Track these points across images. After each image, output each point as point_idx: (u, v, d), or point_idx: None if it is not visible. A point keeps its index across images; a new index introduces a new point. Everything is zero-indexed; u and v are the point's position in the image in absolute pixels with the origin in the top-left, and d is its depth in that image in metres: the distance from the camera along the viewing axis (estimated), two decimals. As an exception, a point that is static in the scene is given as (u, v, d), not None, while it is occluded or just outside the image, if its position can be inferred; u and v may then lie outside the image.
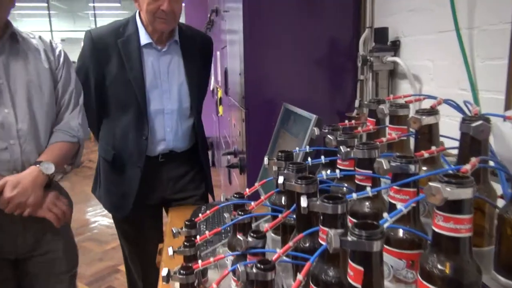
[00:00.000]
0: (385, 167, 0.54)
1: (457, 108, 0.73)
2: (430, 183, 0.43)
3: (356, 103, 0.84)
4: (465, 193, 0.43)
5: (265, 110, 1.60)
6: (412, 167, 0.54)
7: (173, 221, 1.47)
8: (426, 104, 0.88)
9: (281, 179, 0.67)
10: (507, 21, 0.89)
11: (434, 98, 0.76)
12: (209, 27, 3.59)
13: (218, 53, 3.03)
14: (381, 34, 1.38)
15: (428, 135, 0.66)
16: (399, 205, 0.50)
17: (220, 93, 3.09)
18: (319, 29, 1.59)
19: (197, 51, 1.59)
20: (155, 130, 1.54)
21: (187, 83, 1.55)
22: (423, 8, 1.20)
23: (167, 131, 1.55)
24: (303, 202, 0.56)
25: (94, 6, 10.66)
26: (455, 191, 0.43)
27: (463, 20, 1.02)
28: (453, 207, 0.44)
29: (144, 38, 1.50)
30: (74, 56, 1.60)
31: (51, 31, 10.72)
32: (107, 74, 1.49)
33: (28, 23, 13.67)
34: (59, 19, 13.52)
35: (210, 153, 5.05)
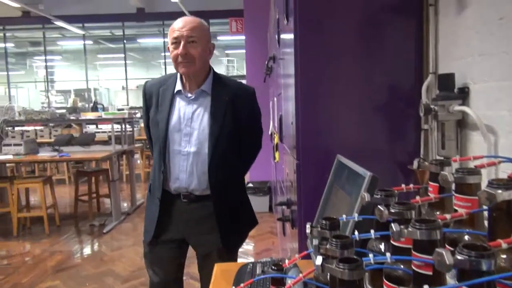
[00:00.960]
0: (447, 262, 0.42)
1: (545, 176, 0.59)
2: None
3: (415, 164, 0.72)
4: None
5: (319, 161, 1.50)
6: (485, 263, 0.41)
7: (217, 279, 1.38)
8: (505, 168, 0.74)
9: (319, 260, 0.57)
10: None
11: (514, 162, 0.62)
12: (268, 73, 3.63)
13: (275, 99, 3.02)
14: (446, 80, 1.24)
15: (506, 213, 0.52)
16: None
17: (276, 139, 3.04)
18: (377, 75, 1.49)
19: (228, 102, 1.67)
20: (171, 168, 1.68)
21: (208, 131, 1.64)
22: (496, 52, 1.05)
23: (181, 170, 1.66)
24: (341, 299, 0.46)
25: (165, 55, 11.44)
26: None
27: (546, 65, 0.87)
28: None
29: (177, 86, 1.69)
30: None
31: (126, 79, 11.64)
32: (150, 115, 1.74)
33: (108, 72, 15.05)
34: (135, 68, 14.72)
35: (267, 197, 4.97)
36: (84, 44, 11.23)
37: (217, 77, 1.73)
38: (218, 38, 12.21)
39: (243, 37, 5.79)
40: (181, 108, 1.67)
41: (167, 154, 1.67)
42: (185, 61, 1.58)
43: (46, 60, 11.96)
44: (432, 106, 1.25)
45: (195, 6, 9.30)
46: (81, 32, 10.06)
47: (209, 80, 1.69)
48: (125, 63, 11.27)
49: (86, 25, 10.40)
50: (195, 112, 1.66)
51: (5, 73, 11.87)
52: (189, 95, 1.67)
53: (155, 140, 1.71)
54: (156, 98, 1.71)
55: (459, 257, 0.42)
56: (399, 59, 1.48)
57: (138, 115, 6.32)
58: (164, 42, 11.25)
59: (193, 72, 1.63)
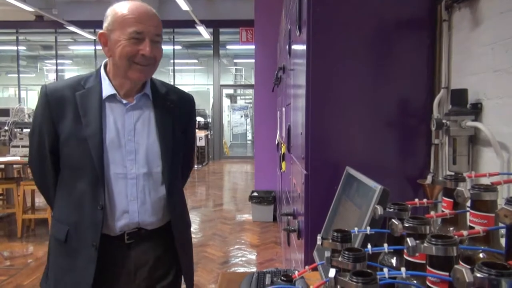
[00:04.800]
0: (466, 280, 0.42)
1: None
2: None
3: (429, 179, 0.71)
4: None
5: (328, 173, 1.49)
6: (505, 282, 0.41)
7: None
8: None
9: (332, 272, 0.56)
10: None
11: (531, 180, 0.62)
12: (277, 83, 3.64)
13: (283, 109, 3.03)
14: (459, 95, 1.24)
15: (525, 232, 0.52)
16: None
17: (283, 149, 3.04)
18: (388, 88, 1.49)
19: (173, 109, 1.37)
20: (115, 200, 1.25)
21: (159, 144, 1.30)
22: (511, 68, 1.05)
23: (131, 200, 1.27)
24: (356, 313, 0.45)
25: (173, 63, 11.53)
26: None
27: (562, 84, 0.86)
28: None
29: (107, 90, 1.28)
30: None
31: (135, 84, 11.73)
32: (61, 132, 1.26)
33: (117, 77, 15.16)
34: (143, 74, 14.83)
35: (272, 207, 4.95)
36: (95, 49, 11.35)
37: (153, 80, 1.40)
38: (228, 47, 12.31)
39: (252, 47, 5.83)
40: (117, 118, 1.28)
41: (106, 181, 1.25)
42: (147, 63, 1.25)
43: (56, 64, 12.10)
44: (444, 121, 1.24)
45: (206, 15, 9.41)
46: (92, 37, 10.19)
47: (148, 83, 1.36)
48: (134, 69, 11.35)
49: (97, 30, 10.49)
50: (138, 122, 1.30)
51: (16, 75, 12.01)
52: (125, 101, 1.30)
53: (81, 164, 1.24)
54: (72, 107, 1.25)
55: (478, 275, 0.42)
56: (411, 73, 1.48)
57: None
58: (173, 49, 11.34)
59: (149, 76, 1.33)
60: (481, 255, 0.60)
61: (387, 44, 1.48)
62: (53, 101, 1.27)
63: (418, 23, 1.48)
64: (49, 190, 1.37)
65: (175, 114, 1.37)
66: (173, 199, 1.34)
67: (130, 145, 1.28)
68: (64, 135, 1.25)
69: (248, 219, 5.16)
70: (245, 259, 3.84)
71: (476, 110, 1.19)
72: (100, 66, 1.34)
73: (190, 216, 1.53)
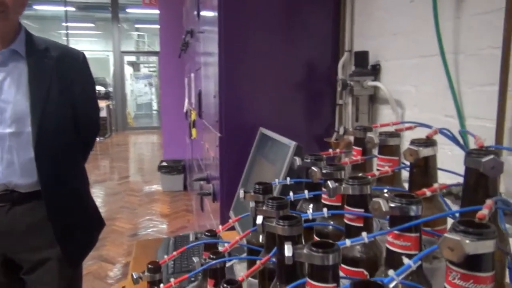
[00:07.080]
0: (383, 209, 0.46)
1: (453, 139, 0.67)
2: (447, 235, 0.35)
3: (341, 130, 0.77)
4: (488, 246, 0.35)
5: (241, 135, 1.52)
6: (414, 209, 0.46)
7: (137, 256, 1.34)
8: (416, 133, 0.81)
9: (259, 219, 0.58)
10: (496, 46, 0.85)
11: (428, 126, 0.70)
12: (184, 49, 3.53)
13: (192, 75, 2.96)
14: (361, 57, 1.34)
15: (424, 168, 0.58)
16: (406, 260, 0.42)
17: (193, 116, 3.00)
18: (296, 52, 1.54)
19: (51, 66, 1.28)
20: None
21: (29, 102, 1.23)
22: (406, 31, 1.16)
23: None
24: (288, 251, 0.47)
25: (67, 26, 10.45)
26: (477, 244, 0.35)
27: (448, 45, 0.98)
28: (473, 263, 0.36)
29: None
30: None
31: (20, 49, 10.41)
32: None
33: (-4, 41, 13.24)
34: (29, 38, 13.19)
35: (182, 176, 4.91)
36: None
37: (31, 37, 1.30)
38: (128, 10, 11.49)
39: (155, 11, 5.53)
40: None
41: None
42: None
43: None
44: (348, 82, 1.33)
45: (101, -27, 8.62)
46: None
47: (20, 39, 1.26)
48: (18, 32, 10.05)
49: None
50: (5, 80, 1.23)
51: None
52: None
53: None
54: None
55: (393, 205, 0.46)
56: (318, 38, 1.55)
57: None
58: (66, 11, 10.24)
59: (4, 27, 1.21)
60: (386, 195, 0.67)
61: (296, 9, 1.52)
62: None
63: (324, -12, 1.54)
64: None
65: (53, 70, 1.28)
66: (43, 161, 1.25)
67: None
68: None
69: (158, 189, 5.06)
70: (156, 229, 3.79)
71: (376, 71, 1.30)
72: None
73: (93, 190, 1.43)
